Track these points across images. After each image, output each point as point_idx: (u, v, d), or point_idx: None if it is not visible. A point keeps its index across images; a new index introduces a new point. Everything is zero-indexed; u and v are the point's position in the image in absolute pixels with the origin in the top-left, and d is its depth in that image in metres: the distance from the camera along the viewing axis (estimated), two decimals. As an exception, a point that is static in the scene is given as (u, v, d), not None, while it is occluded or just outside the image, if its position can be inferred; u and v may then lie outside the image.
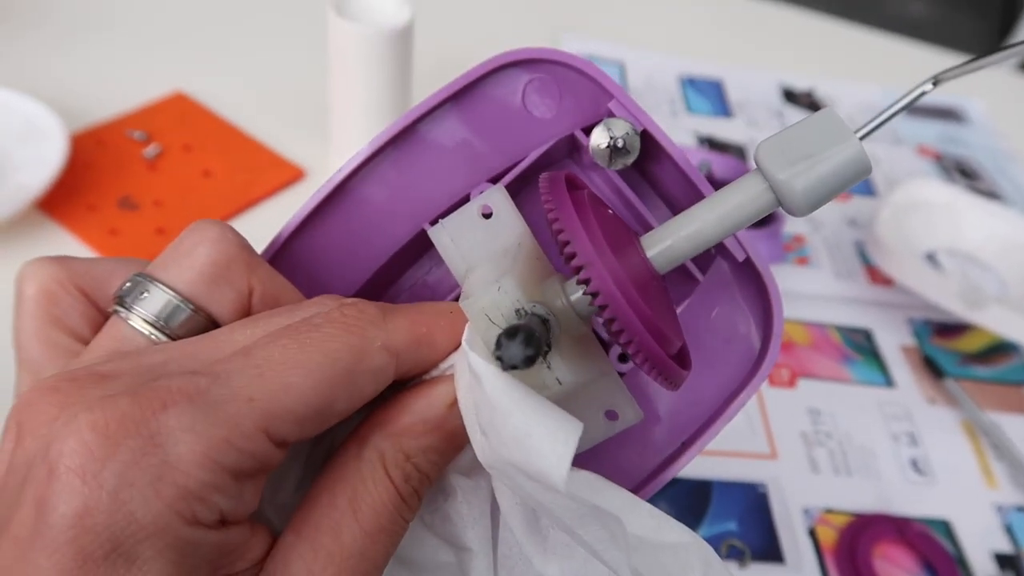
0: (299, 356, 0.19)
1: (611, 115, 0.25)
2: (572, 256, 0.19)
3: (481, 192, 0.26)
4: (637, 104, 0.25)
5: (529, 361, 0.18)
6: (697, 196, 0.25)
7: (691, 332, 0.26)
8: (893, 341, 0.56)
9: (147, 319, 0.21)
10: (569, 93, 0.26)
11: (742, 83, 0.79)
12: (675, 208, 0.27)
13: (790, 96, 0.78)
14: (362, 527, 0.20)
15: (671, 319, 0.21)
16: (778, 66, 0.82)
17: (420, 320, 0.22)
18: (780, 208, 0.20)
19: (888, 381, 0.53)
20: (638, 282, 0.19)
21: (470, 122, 0.27)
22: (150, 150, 0.56)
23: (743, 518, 0.44)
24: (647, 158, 0.26)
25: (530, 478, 0.18)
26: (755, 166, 0.21)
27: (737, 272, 0.26)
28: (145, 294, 0.21)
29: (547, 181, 0.21)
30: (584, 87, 0.26)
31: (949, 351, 0.56)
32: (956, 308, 0.53)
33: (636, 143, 0.24)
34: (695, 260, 0.26)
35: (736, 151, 0.70)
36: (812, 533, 0.44)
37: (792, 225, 0.63)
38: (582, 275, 0.19)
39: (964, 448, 0.50)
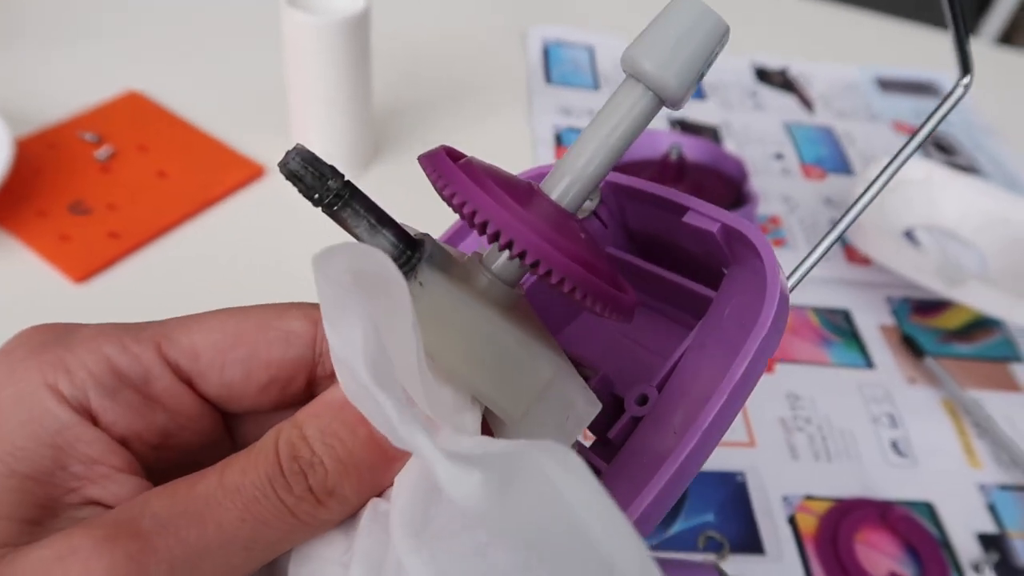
0: (223, 310, 0.21)
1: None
2: (475, 215, 0.18)
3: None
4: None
5: (309, 166, 0.17)
6: (662, 207, 0.25)
7: (708, 343, 0.24)
8: (872, 321, 0.55)
9: None
10: None
11: (715, 64, 0.77)
12: (656, 238, 0.27)
13: (763, 76, 0.77)
14: (221, 481, 0.18)
15: (596, 252, 0.20)
16: (751, 46, 0.81)
17: None
18: (664, 106, 0.20)
19: (868, 362, 0.52)
20: (552, 223, 0.19)
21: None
22: (102, 152, 0.55)
23: (721, 509, 0.42)
24: (626, 211, 0.26)
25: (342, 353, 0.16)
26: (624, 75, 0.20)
27: (738, 264, 0.24)
28: None
29: (427, 160, 0.20)
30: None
31: (929, 329, 0.55)
32: (935, 285, 0.52)
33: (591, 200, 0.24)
34: (703, 279, 0.25)
35: (709, 133, 0.68)
36: (792, 521, 0.42)
37: (767, 206, 0.62)
38: (490, 229, 0.18)
39: (946, 428, 0.49)
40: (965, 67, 0.27)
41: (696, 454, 0.20)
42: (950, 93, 0.26)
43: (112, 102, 0.59)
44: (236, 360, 0.20)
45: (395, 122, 0.63)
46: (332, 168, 0.17)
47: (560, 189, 0.20)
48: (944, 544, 0.43)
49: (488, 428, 0.20)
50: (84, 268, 0.48)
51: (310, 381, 0.22)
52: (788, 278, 0.24)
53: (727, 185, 0.58)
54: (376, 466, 0.19)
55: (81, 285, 0.47)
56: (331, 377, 0.21)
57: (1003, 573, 0.42)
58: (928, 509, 0.44)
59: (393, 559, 0.18)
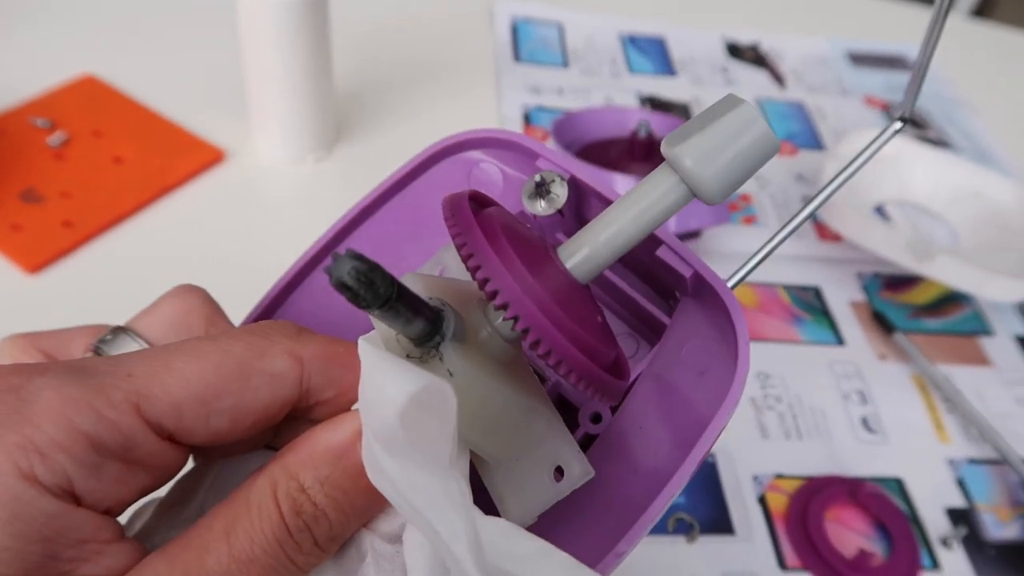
0: (195, 346, 0.19)
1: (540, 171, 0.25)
2: (485, 281, 0.18)
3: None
4: (564, 155, 0.26)
5: (362, 280, 0.16)
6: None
7: (663, 378, 0.25)
8: (843, 297, 0.54)
9: None
10: (510, 168, 0.27)
11: (685, 40, 0.76)
12: None
13: (735, 51, 0.76)
14: (231, 552, 0.18)
15: (600, 330, 0.20)
16: (722, 22, 0.80)
17: (339, 342, 0.21)
18: (696, 199, 0.19)
19: (838, 339, 0.51)
20: (559, 297, 0.19)
21: (416, 212, 0.27)
22: (55, 138, 0.53)
23: (691, 490, 0.42)
24: (585, 207, 0.26)
25: (385, 449, 0.17)
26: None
27: (700, 303, 0.25)
28: (110, 336, 0.23)
29: (449, 204, 0.19)
30: (518, 157, 0.26)
31: (899, 304, 0.55)
32: (904, 260, 0.51)
33: (561, 187, 0.24)
34: (661, 305, 0.26)
35: (680, 110, 0.68)
36: (762, 500, 0.42)
37: (738, 184, 0.62)
38: (498, 300, 0.17)
39: (915, 403, 0.48)
40: (906, 116, 0.28)
41: (658, 514, 0.21)
42: (882, 133, 0.27)
43: (66, 86, 0.58)
44: (222, 411, 0.19)
45: (359, 104, 0.62)
46: (383, 274, 0.16)
47: (576, 259, 0.20)
48: (913, 519, 0.43)
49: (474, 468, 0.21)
50: (37, 258, 0.46)
51: (291, 411, 0.21)
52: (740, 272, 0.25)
53: (697, 163, 0.58)
54: (374, 507, 0.20)
55: (34, 276, 0.46)
56: (314, 410, 0.21)
57: (971, 547, 0.42)
58: (898, 485, 0.44)
59: None
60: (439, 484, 0.16)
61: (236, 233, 0.51)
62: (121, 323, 0.24)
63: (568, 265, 0.20)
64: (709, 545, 0.40)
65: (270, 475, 0.19)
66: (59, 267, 0.47)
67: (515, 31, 0.73)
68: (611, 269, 0.27)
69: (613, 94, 0.68)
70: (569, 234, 0.28)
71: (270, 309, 0.27)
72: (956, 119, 0.73)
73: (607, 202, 0.24)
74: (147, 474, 0.19)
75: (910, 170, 0.62)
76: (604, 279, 0.27)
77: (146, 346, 0.22)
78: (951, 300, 0.55)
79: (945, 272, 0.51)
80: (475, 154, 0.27)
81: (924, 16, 0.87)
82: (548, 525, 0.22)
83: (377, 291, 0.16)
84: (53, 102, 0.56)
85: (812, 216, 0.59)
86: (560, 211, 0.25)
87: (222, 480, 0.22)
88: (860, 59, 0.79)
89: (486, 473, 0.21)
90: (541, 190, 0.24)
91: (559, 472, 0.21)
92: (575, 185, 0.25)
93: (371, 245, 0.27)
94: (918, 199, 0.62)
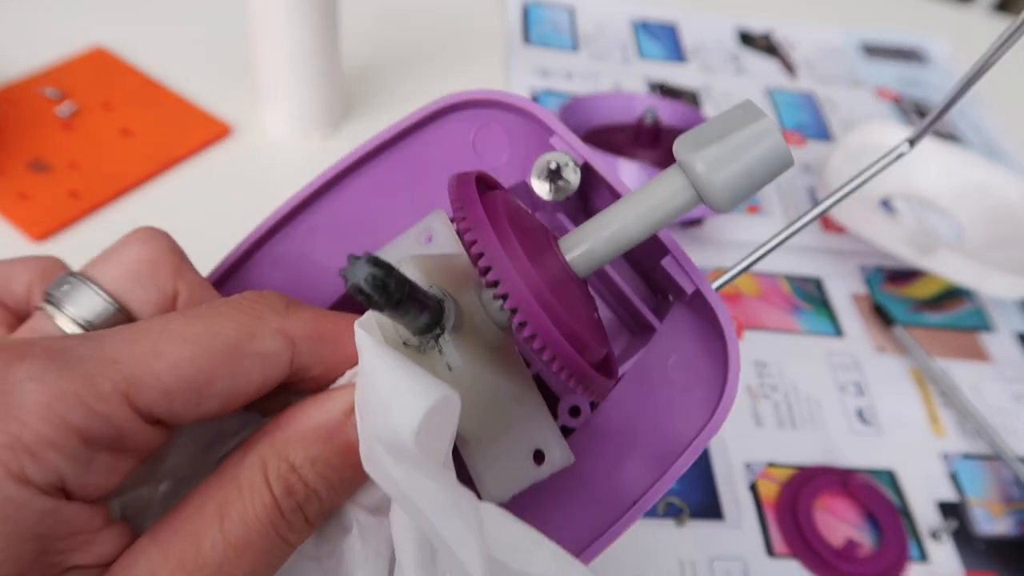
0: (181, 327, 0.18)
1: (552, 150, 0.25)
2: (487, 269, 0.18)
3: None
4: (578, 139, 0.25)
5: (377, 285, 0.15)
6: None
7: (647, 384, 0.24)
8: (844, 289, 0.54)
9: (71, 316, 0.21)
10: (518, 137, 0.26)
11: (697, 27, 0.76)
12: None
13: (747, 39, 0.76)
14: (226, 537, 0.18)
15: (593, 325, 0.20)
16: (735, 8, 0.79)
17: (329, 317, 0.20)
18: (702, 203, 0.19)
19: (837, 330, 0.51)
20: (555, 286, 0.18)
21: (417, 164, 0.27)
22: (63, 108, 0.53)
23: (683, 475, 0.42)
24: (593, 193, 0.25)
25: (391, 454, 0.17)
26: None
27: (693, 313, 0.24)
28: (66, 286, 0.21)
29: (455, 181, 0.19)
30: (529, 128, 0.26)
31: (901, 298, 0.54)
32: (907, 254, 0.51)
33: (574, 174, 0.24)
34: (653, 307, 0.26)
35: (689, 97, 0.67)
36: (753, 488, 0.42)
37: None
38: (489, 277, 0.17)
39: (912, 396, 0.49)
40: (914, 141, 0.28)
41: (621, 532, 0.22)
42: (890, 152, 0.27)
43: (76, 58, 0.58)
44: (213, 395, 0.18)
45: (367, 82, 0.62)
46: (398, 278, 0.16)
47: (576, 252, 0.20)
48: (904, 512, 0.43)
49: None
50: (43, 227, 0.47)
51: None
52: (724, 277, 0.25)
53: (703, 150, 0.57)
54: (362, 480, 0.20)
55: (40, 243, 0.46)
56: (300, 384, 0.20)
57: (961, 540, 0.42)
58: (890, 477, 0.44)
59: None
60: (445, 491, 0.16)
61: (241, 207, 0.51)
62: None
63: (568, 257, 0.20)
64: (698, 529, 0.40)
65: (260, 454, 0.18)
66: (65, 236, 0.47)
67: (526, 13, 0.73)
68: None
69: (622, 79, 0.67)
70: (571, 216, 0.28)
71: (251, 250, 0.27)
72: (968, 113, 0.73)
73: (616, 195, 0.24)
74: (134, 458, 0.18)
75: (917, 164, 0.62)
76: (603, 272, 0.27)
77: (106, 298, 0.21)
78: (953, 295, 0.55)
79: (946, 267, 0.51)
80: (484, 114, 0.26)
81: (940, 10, 0.86)
82: (515, 512, 0.22)
83: (391, 295, 0.16)
84: (63, 73, 0.56)
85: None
86: (567, 197, 0.25)
87: (195, 437, 0.21)
88: (874, 51, 0.78)
89: (466, 449, 0.21)
90: (553, 175, 0.24)
91: (539, 456, 0.21)
92: (587, 172, 0.24)
93: (366, 193, 0.27)
94: (925, 193, 0.62)
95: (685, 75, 0.70)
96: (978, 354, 0.52)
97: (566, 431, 0.25)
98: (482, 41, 0.69)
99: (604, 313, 0.28)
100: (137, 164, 0.51)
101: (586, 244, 0.20)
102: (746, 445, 0.44)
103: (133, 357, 0.17)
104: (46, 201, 0.48)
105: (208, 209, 0.51)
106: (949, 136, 0.69)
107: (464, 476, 0.20)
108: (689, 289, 0.23)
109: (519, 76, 0.65)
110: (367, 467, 0.17)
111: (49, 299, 0.21)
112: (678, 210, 0.19)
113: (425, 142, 0.27)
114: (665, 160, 0.55)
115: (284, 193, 0.28)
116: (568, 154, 0.24)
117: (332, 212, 0.27)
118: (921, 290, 0.55)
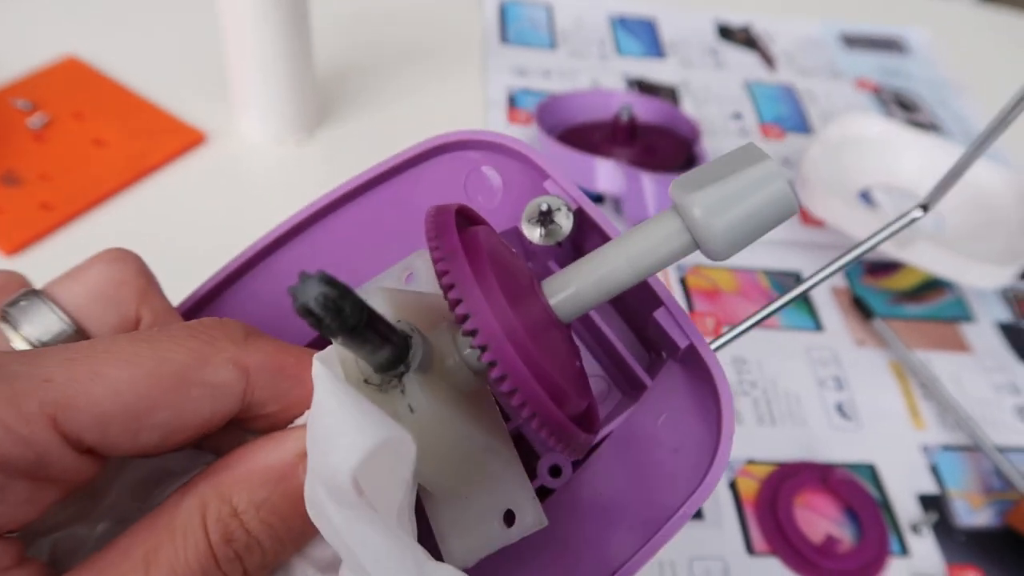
0: (126, 347, 0.17)
1: (546, 194, 0.23)
2: (458, 302, 0.16)
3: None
4: (574, 185, 0.24)
5: (329, 307, 0.14)
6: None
7: (635, 444, 0.23)
8: (824, 283, 0.54)
9: (25, 334, 0.20)
10: (513, 181, 0.25)
11: (676, 21, 0.76)
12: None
13: (725, 33, 0.75)
14: None
15: (574, 374, 0.19)
16: (714, 2, 0.79)
17: (290, 350, 0.19)
18: (698, 250, 0.18)
19: (817, 325, 0.51)
20: (533, 329, 0.17)
21: (405, 203, 0.25)
22: (35, 120, 0.53)
23: (662, 475, 0.42)
24: (586, 241, 0.24)
25: (333, 498, 0.15)
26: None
27: (687, 371, 0.23)
28: (24, 303, 0.20)
29: (434, 216, 0.18)
30: (525, 172, 0.24)
31: (881, 290, 0.54)
32: (886, 246, 0.51)
33: (566, 219, 0.23)
34: (646, 366, 0.25)
35: (668, 93, 0.67)
36: (733, 486, 0.42)
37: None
38: (467, 324, 0.16)
39: (892, 390, 0.48)
40: (926, 206, 0.27)
41: None
42: (902, 216, 0.26)
43: (48, 68, 0.58)
44: (154, 425, 0.17)
45: (343, 86, 0.61)
46: (353, 301, 0.15)
47: (561, 296, 0.18)
48: (884, 505, 0.43)
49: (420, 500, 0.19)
50: (15, 240, 0.46)
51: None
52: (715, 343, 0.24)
53: (679, 146, 0.57)
54: (312, 532, 0.18)
55: (12, 257, 0.46)
56: (254, 421, 0.19)
57: (942, 533, 0.42)
58: (870, 471, 0.44)
59: None
60: (388, 544, 0.15)
61: (216, 215, 0.51)
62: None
63: (552, 302, 0.18)
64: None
65: (200, 495, 0.17)
66: (37, 249, 0.47)
67: (503, 12, 0.72)
68: (597, 309, 0.25)
69: (600, 76, 0.67)
70: (563, 265, 0.26)
71: (227, 282, 0.26)
72: (949, 103, 0.73)
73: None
74: (57, 489, 0.17)
75: (898, 154, 0.61)
76: (586, 317, 0.25)
77: (64, 318, 0.20)
78: (933, 286, 0.55)
79: (925, 258, 0.50)
80: (477, 155, 0.25)
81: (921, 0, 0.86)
82: (485, 573, 0.20)
83: (345, 320, 0.14)
84: (35, 84, 0.56)
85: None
86: (559, 243, 0.24)
87: (138, 474, 0.20)
88: (854, 41, 0.78)
89: (431, 505, 0.19)
90: (545, 218, 0.23)
91: (510, 517, 0.19)
92: (581, 217, 0.23)
93: (351, 229, 0.26)
94: (905, 184, 0.61)
95: (664, 71, 0.70)
96: (959, 345, 0.52)
97: (545, 492, 0.23)
98: (458, 42, 0.68)
99: (594, 370, 0.26)
100: (110, 174, 0.51)
101: (571, 287, 0.18)
102: (725, 443, 0.44)
103: (68, 377, 0.16)
104: (17, 214, 0.48)
105: (183, 218, 0.51)
106: (931, 126, 0.69)
107: (430, 538, 0.19)
108: (682, 343, 0.22)
109: (496, 76, 0.65)
110: (309, 511, 0.16)
111: (5, 316, 0.20)
112: (672, 256, 0.18)
113: (416, 180, 0.25)
114: (640, 158, 0.55)
115: (259, 200, 0.27)
116: (561, 198, 0.23)
117: (315, 247, 0.25)
118: (901, 282, 0.55)
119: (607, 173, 0.52)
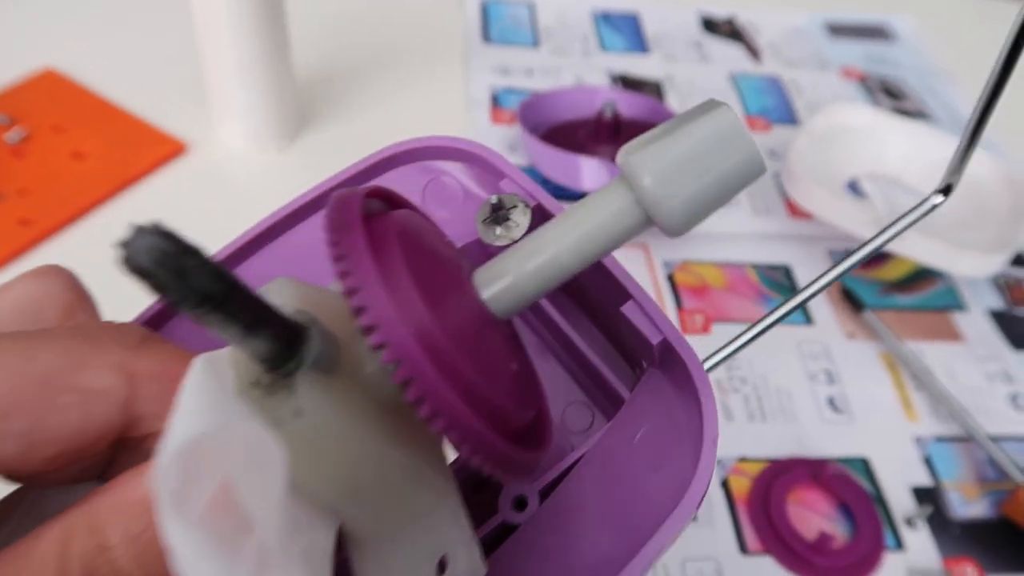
0: None
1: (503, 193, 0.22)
2: (353, 292, 0.14)
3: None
4: (532, 181, 0.22)
5: (163, 262, 0.11)
6: (602, 273, 0.21)
7: (611, 463, 0.21)
8: (813, 276, 0.53)
9: None
10: (472, 186, 0.23)
11: (659, 15, 0.75)
12: (580, 293, 0.24)
13: (710, 26, 0.75)
14: None
15: (512, 380, 0.16)
16: (698, -6, 0.79)
17: (188, 358, 0.16)
18: (653, 226, 0.16)
19: (807, 318, 0.51)
20: (459, 332, 0.15)
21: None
22: (13, 134, 0.52)
23: (653, 475, 0.42)
24: None
25: (173, 513, 0.12)
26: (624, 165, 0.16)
27: (667, 375, 0.21)
28: None
29: (335, 204, 0.15)
30: (482, 175, 0.23)
31: (871, 281, 0.54)
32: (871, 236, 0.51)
33: (523, 215, 0.21)
34: (620, 375, 0.23)
35: (652, 88, 0.67)
36: (725, 484, 0.42)
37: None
38: (363, 320, 0.13)
39: (884, 381, 0.48)
40: (947, 188, 0.26)
41: None
42: (923, 202, 0.25)
43: (26, 82, 0.57)
44: (11, 434, 0.15)
45: (324, 91, 0.61)
46: (202, 263, 0.12)
47: (495, 288, 0.16)
48: (878, 499, 0.42)
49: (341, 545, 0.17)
50: (-6, 258, 0.46)
51: (116, 440, 0.16)
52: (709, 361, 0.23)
53: (665, 142, 0.57)
54: None
55: (-8, 275, 0.46)
56: (146, 441, 0.16)
57: (936, 525, 0.42)
58: (863, 465, 0.44)
59: None
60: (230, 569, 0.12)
61: (198, 225, 0.50)
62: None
63: (484, 295, 0.16)
64: (669, 530, 0.40)
65: (66, 527, 0.14)
66: (16, 266, 0.46)
67: (485, 11, 0.72)
68: (569, 320, 0.23)
69: (584, 73, 0.67)
70: None
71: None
72: (936, 90, 0.72)
73: None
74: None
75: (885, 143, 0.61)
76: (558, 331, 0.23)
77: None
78: (924, 276, 0.55)
79: (916, 249, 0.50)
80: (437, 164, 0.24)
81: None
82: None
83: (188, 284, 0.12)
84: (12, 98, 0.56)
85: (783, 196, 0.58)
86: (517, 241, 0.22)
87: (37, 511, 0.18)
88: (839, 30, 0.77)
89: (354, 548, 0.16)
90: (498, 215, 0.21)
91: (441, 563, 0.17)
92: (540, 214, 0.21)
93: (308, 241, 0.24)
94: (893, 172, 0.61)
95: (648, 66, 0.69)
96: (951, 334, 0.51)
97: (508, 529, 0.21)
98: (440, 42, 0.68)
99: (573, 395, 0.24)
100: (91, 187, 0.51)
101: (508, 278, 0.16)
102: (717, 441, 0.44)
103: None
104: (-4, 231, 0.47)
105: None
106: (918, 113, 0.69)
107: None
108: (655, 339, 0.19)
109: (479, 75, 0.64)
110: (162, 543, 0.14)
111: None
112: (622, 235, 0.16)
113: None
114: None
115: (242, 208, 0.26)
116: (518, 195, 0.21)
117: (277, 259, 0.24)
118: (891, 272, 0.55)
119: (592, 171, 0.51)
